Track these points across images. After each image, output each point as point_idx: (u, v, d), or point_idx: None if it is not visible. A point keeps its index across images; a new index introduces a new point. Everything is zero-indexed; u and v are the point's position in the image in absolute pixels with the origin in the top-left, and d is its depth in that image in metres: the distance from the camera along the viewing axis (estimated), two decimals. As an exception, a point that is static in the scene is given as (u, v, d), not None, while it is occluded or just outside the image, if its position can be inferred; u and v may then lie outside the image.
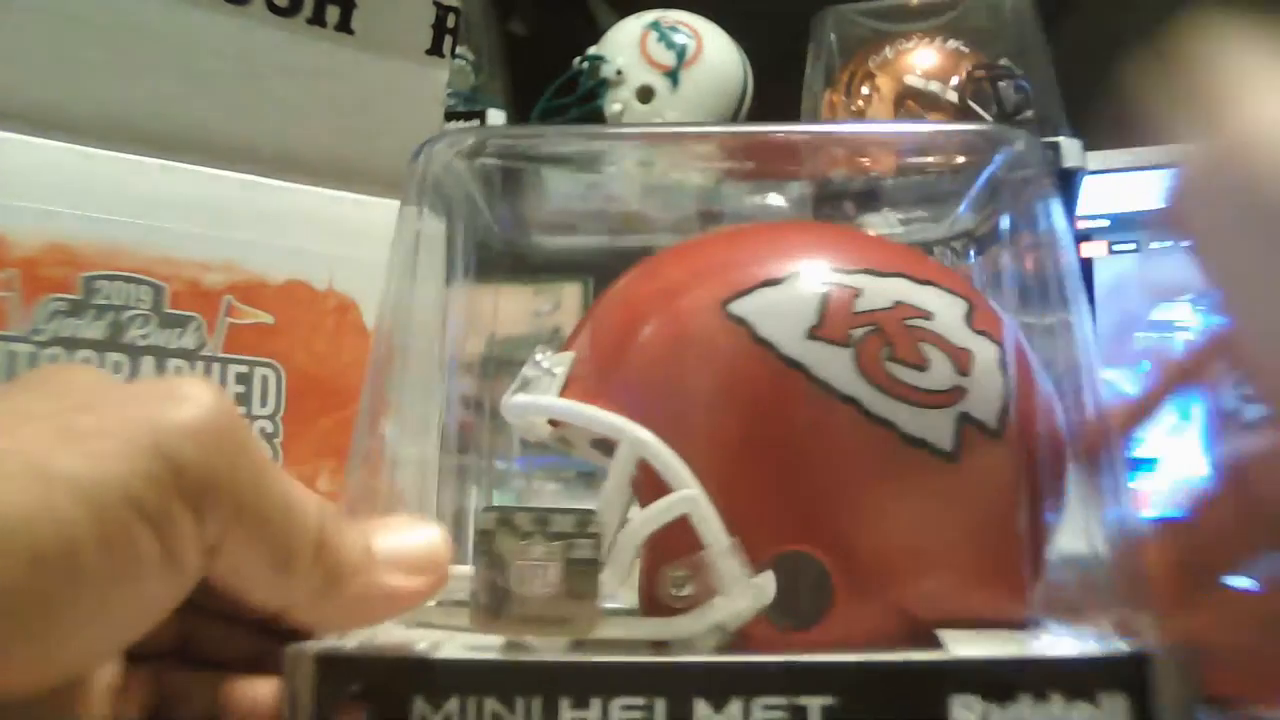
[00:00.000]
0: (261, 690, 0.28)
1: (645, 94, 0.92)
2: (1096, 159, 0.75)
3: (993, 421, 0.30)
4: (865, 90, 0.83)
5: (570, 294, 0.59)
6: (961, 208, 0.39)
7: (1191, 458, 0.32)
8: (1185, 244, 0.26)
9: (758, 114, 0.95)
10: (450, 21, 0.53)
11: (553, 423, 0.34)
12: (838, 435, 0.29)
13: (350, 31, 0.51)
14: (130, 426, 0.21)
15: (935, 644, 0.28)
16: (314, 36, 0.50)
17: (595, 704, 0.25)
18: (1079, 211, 0.75)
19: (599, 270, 0.35)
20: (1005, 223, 0.36)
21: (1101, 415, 0.30)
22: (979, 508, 0.30)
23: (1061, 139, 0.71)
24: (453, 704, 0.25)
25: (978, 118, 0.77)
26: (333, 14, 0.50)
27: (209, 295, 0.46)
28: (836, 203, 0.42)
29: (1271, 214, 0.23)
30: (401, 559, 0.26)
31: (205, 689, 0.29)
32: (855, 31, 0.88)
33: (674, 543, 0.29)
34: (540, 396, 0.32)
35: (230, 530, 0.22)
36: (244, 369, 0.46)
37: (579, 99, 0.93)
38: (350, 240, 0.49)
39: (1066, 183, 0.71)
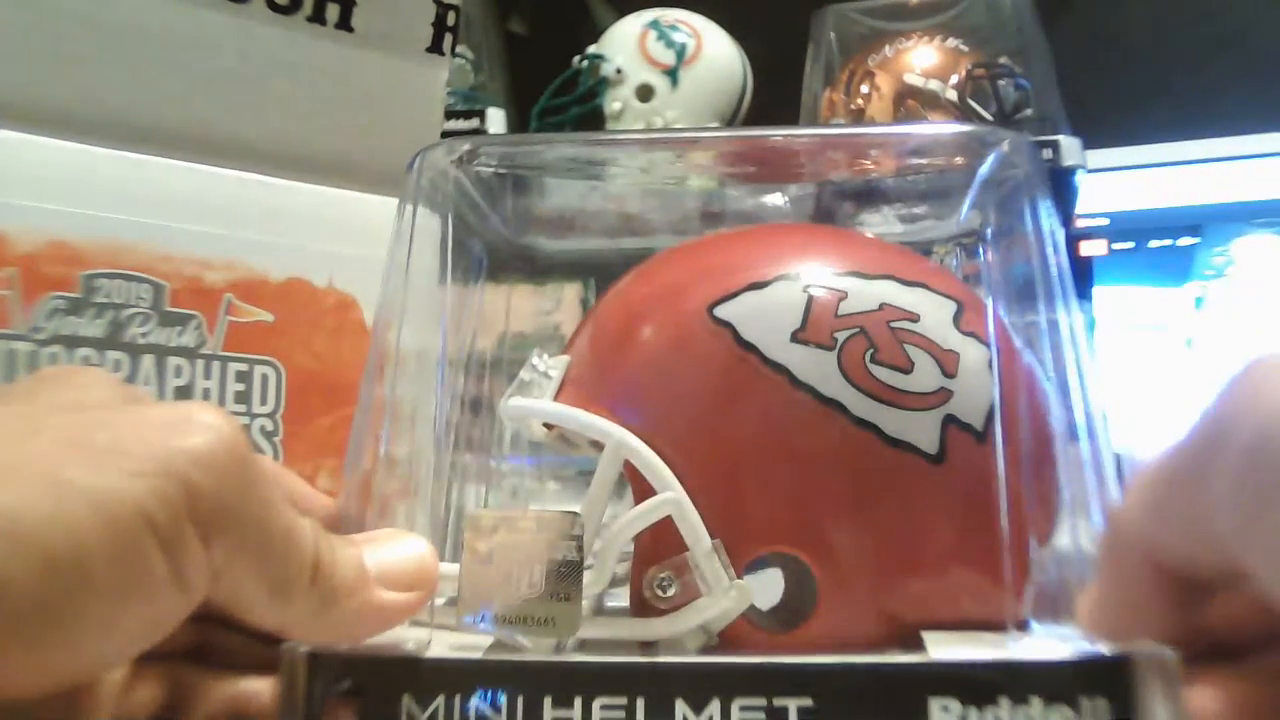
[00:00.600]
0: (272, 689, 0.29)
1: (645, 93, 0.92)
2: (1096, 157, 0.75)
3: (979, 423, 0.30)
4: (865, 89, 0.83)
5: (570, 293, 0.60)
6: (965, 206, 0.39)
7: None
8: None
9: (757, 113, 0.95)
10: (450, 20, 0.53)
11: (548, 425, 0.35)
12: (822, 438, 0.29)
13: (350, 30, 0.51)
14: (146, 448, 0.22)
15: (919, 646, 0.28)
16: (314, 35, 0.50)
17: (577, 703, 0.25)
18: (1078, 210, 0.75)
19: (598, 270, 0.36)
20: (997, 222, 0.36)
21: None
22: (964, 510, 0.30)
23: (1061, 137, 0.71)
24: (440, 701, 0.25)
25: (977, 116, 0.77)
26: (333, 12, 0.50)
27: (209, 293, 0.46)
28: (836, 203, 0.42)
29: None
30: (392, 575, 0.27)
31: (218, 689, 0.29)
32: (855, 30, 0.88)
33: (662, 544, 0.30)
34: (534, 400, 0.32)
35: (234, 558, 0.23)
36: (244, 367, 0.46)
37: (579, 98, 0.93)
38: (350, 238, 0.49)
39: (1065, 181, 0.71)
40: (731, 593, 0.29)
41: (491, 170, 0.39)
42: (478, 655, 0.27)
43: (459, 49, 0.92)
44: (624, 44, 0.95)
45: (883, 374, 0.30)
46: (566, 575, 0.28)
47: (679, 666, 0.26)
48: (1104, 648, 0.25)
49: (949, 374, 0.30)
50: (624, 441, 0.30)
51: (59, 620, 0.20)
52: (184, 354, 0.45)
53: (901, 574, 0.30)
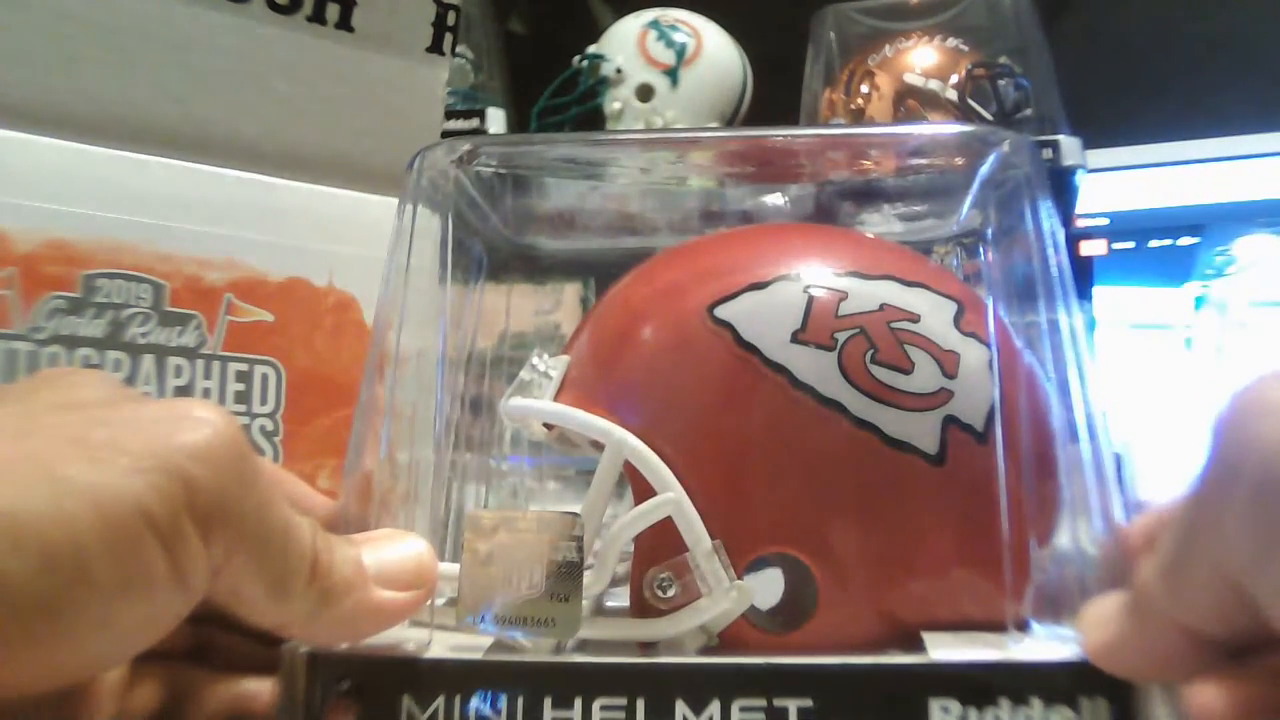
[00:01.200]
0: (272, 690, 0.29)
1: (645, 92, 0.92)
2: (1096, 157, 0.75)
3: (979, 424, 0.30)
4: (865, 89, 0.83)
5: (570, 293, 0.60)
6: (965, 206, 0.39)
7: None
8: None
9: (757, 112, 0.95)
10: (450, 20, 0.53)
11: (548, 425, 0.34)
12: (822, 439, 0.29)
13: (350, 29, 0.51)
14: (144, 444, 0.22)
15: (920, 646, 0.28)
16: (314, 34, 0.50)
17: (577, 703, 0.25)
18: (1078, 210, 0.75)
19: (598, 270, 0.36)
20: (998, 222, 0.36)
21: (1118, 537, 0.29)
22: (964, 511, 0.30)
23: (1061, 137, 0.71)
24: (440, 702, 0.25)
25: (977, 116, 0.77)
26: (333, 12, 0.50)
27: (209, 293, 0.46)
28: (836, 203, 0.42)
29: None
30: (391, 574, 0.27)
31: (218, 690, 0.29)
32: (855, 30, 0.88)
33: (662, 545, 0.29)
34: (534, 401, 0.32)
35: (233, 554, 0.23)
36: (244, 367, 0.46)
37: (578, 98, 0.93)
38: (350, 238, 0.49)
39: (1065, 181, 0.71)
40: (732, 593, 0.29)
41: (492, 170, 0.39)
42: (478, 656, 0.27)
43: (459, 49, 0.92)
44: (624, 44, 0.95)
45: (883, 374, 0.30)
46: (566, 576, 0.28)
47: (679, 667, 0.26)
48: None
49: (949, 374, 0.30)
50: (624, 441, 0.30)
51: (59, 617, 0.20)
52: (184, 354, 0.45)
53: (901, 574, 0.29)
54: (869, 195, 0.42)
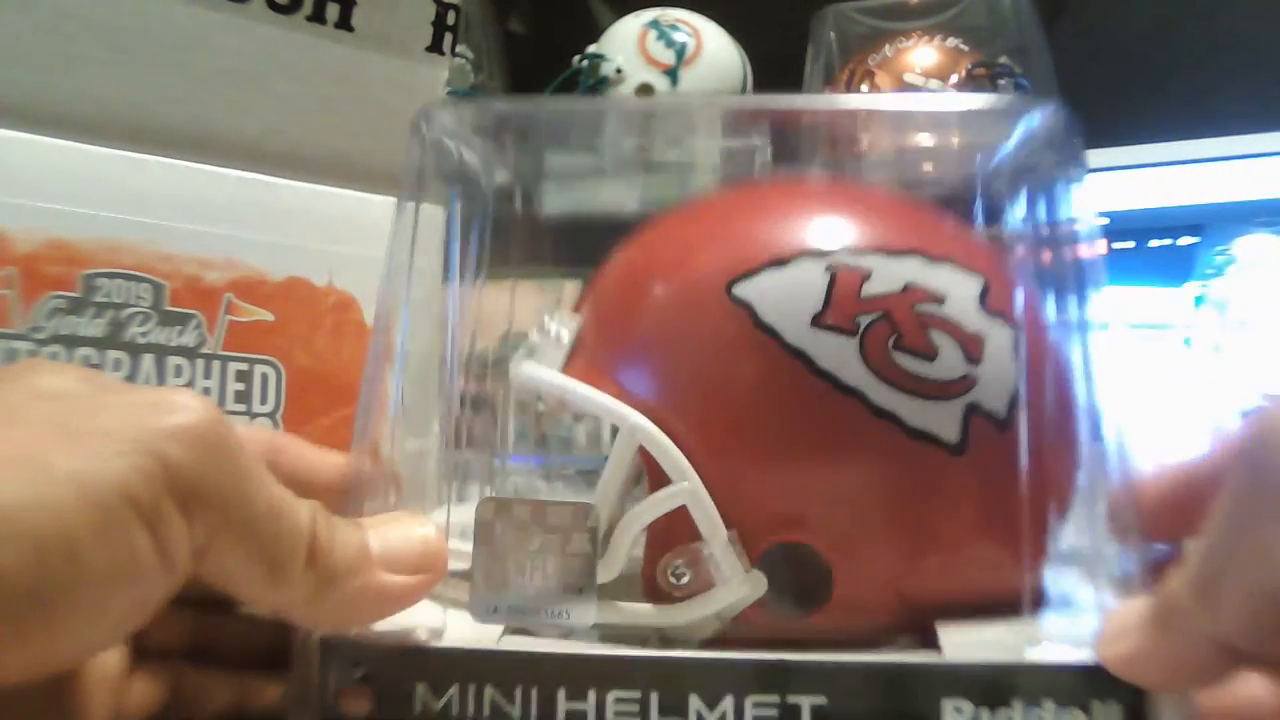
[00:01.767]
0: (278, 686, 0.29)
1: (645, 92, 0.92)
2: (1096, 157, 0.75)
3: (1002, 411, 0.29)
4: (865, 88, 0.83)
5: (571, 291, 0.59)
6: (988, 178, 0.37)
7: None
8: None
9: (757, 112, 0.95)
10: (450, 19, 0.53)
11: None
12: (840, 428, 0.29)
13: (350, 29, 0.51)
14: (124, 428, 0.22)
15: (934, 634, 0.28)
16: (313, 34, 0.50)
17: (591, 695, 0.25)
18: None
19: (601, 262, 0.35)
20: (1024, 201, 0.34)
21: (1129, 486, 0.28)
22: (984, 500, 0.29)
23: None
24: (453, 692, 0.25)
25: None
26: (332, 11, 0.50)
27: (209, 293, 0.46)
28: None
29: None
30: (397, 558, 0.26)
31: (219, 686, 0.29)
32: (855, 29, 0.88)
33: (675, 531, 0.29)
34: (547, 372, 0.32)
35: (218, 533, 0.23)
36: (244, 367, 0.46)
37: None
38: (350, 237, 0.49)
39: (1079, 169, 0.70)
40: (746, 580, 0.29)
41: (497, 131, 0.38)
42: (492, 645, 0.27)
43: (459, 49, 0.91)
44: (624, 43, 0.95)
45: (905, 361, 0.29)
46: (580, 566, 0.28)
47: (693, 662, 0.26)
48: None
49: (973, 360, 0.29)
50: (639, 427, 0.29)
51: (51, 606, 0.20)
52: (184, 353, 0.45)
53: (916, 563, 0.29)
54: (886, 170, 0.40)
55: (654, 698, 0.25)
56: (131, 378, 0.44)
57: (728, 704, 0.25)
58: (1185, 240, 0.87)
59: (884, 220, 0.32)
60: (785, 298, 0.29)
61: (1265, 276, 0.84)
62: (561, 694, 0.25)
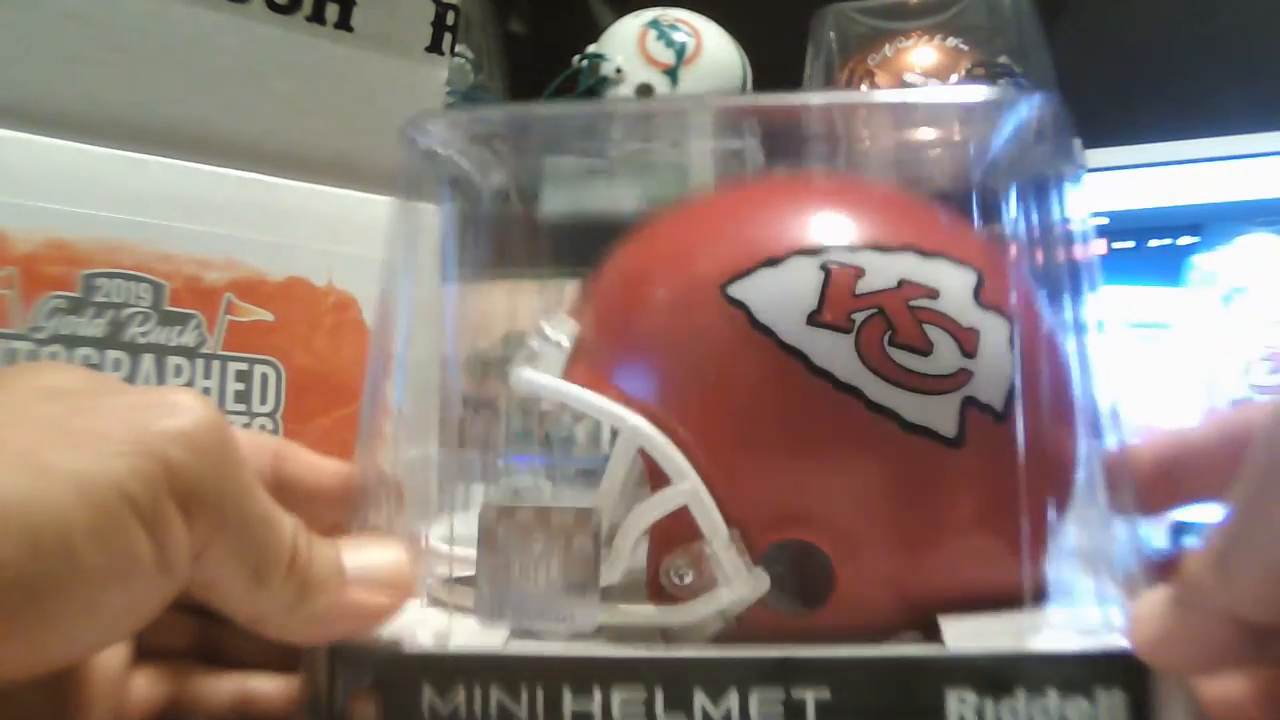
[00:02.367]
0: (280, 688, 0.29)
1: (644, 92, 0.92)
2: (1096, 157, 0.75)
3: (999, 404, 0.29)
4: (865, 88, 0.83)
5: (571, 292, 0.59)
6: (984, 171, 0.38)
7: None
8: None
9: (757, 112, 0.95)
10: (450, 19, 0.53)
11: None
12: (838, 424, 0.29)
13: (350, 29, 0.51)
14: (125, 429, 0.22)
15: (936, 629, 0.28)
16: (313, 34, 0.50)
17: (596, 694, 0.25)
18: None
19: (599, 264, 0.35)
20: (1015, 196, 0.34)
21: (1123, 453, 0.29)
22: (983, 492, 0.29)
23: (1060, 137, 0.71)
24: (460, 694, 0.26)
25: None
26: (332, 11, 0.50)
27: (209, 293, 0.46)
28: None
29: None
30: (369, 577, 0.27)
31: (221, 688, 0.29)
32: (854, 29, 0.88)
33: (677, 531, 0.29)
34: (547, 378, 0.32)
35: (213, 538, 0.23)
36: (244, 366, 0.46)
37: (578, 97, 0.93)
38: (349, 237, 0.49)
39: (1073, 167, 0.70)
40: (748, 579, 0.29)
41: (494, 139, 0.38)
42: (498, 647, 0.27)
43: (459, 49, 0.91)
44: (624, 43, 0.95)
45: (901, 357, 0.29)
46: (583, 567, 0.28)
47: (697, 658, 0.26)
48: (1122, 640, 0.25)
49: (969, 354, 0.29)
50: (639, 430, 0.29)
51: (46, 601, 0.20)
52: (184, 353, 0.45)
53: (918, 557, 0.29)
54: (883, 170, 0.40)
55: (659, 694, 0.25)
56: (131, 378, 0.44)
57: (732, 699, 0.25)
58: (1185, 240, 0.87)
59: (877, 216, 0.32)
60: (780, 297, 0.29)
61: (1264, 275, 0.84)
62: (567, 693, 0.25)
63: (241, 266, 0.47)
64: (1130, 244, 0.89)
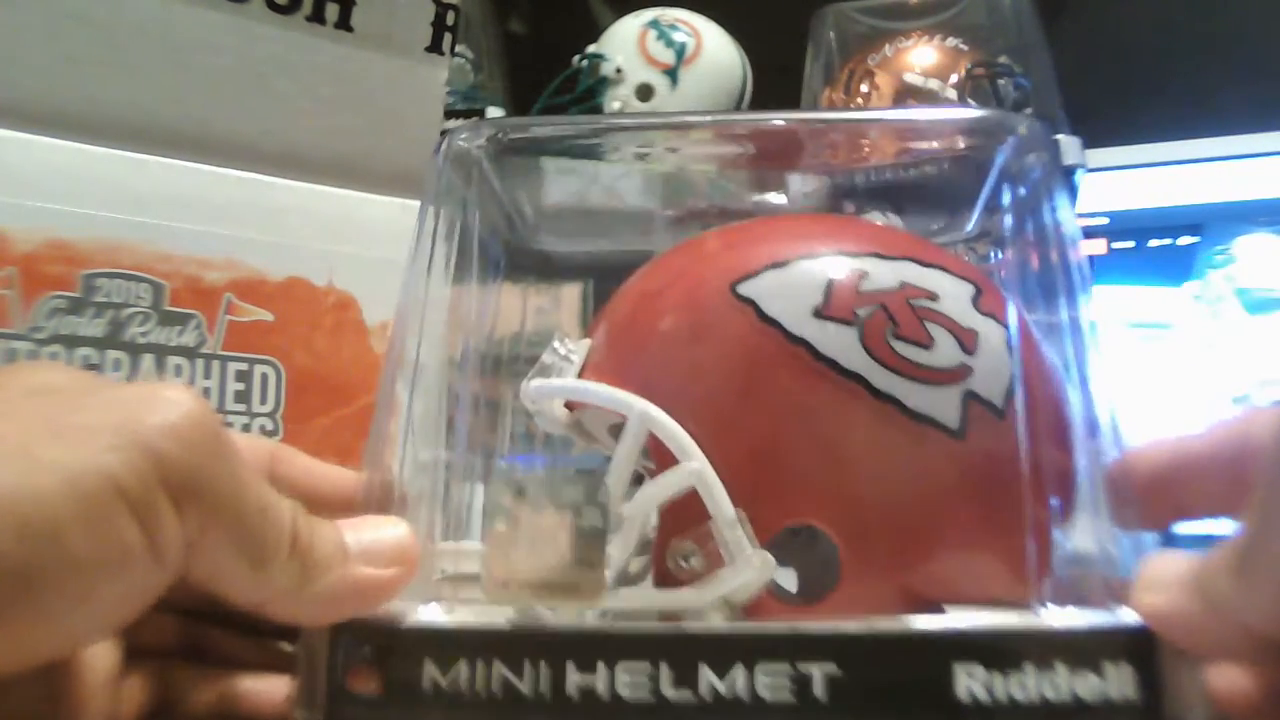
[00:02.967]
0: (268, 687, 0.29)
1: (644, 92, 0.92)
2: (1096, 157, 0.75)
3: (999, 400, 0.30)
4: (864, 88, 0.83)
5: (570, 293, 0.60)
6: (980, 202, 0.39)
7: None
8: None
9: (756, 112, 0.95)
10: (450, 19, 0.53)
11: (569, 407, 0.34)
12: (843, 411, 0.29)
13: (350, 29, 0.51)
14: (116, 424, 0.22)
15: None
16: (313, 34, 0.50)
17: (601, 669, 0.25)
18: (1078, 209, 0.75)
19: (600, 270, 0.36)
20: (1015, 215, 0.35)
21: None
22: (986, 485, 0.30)
23: (1061, 137, 0.71)
24: (462, 668, 0.25)
25: (977, 115, 0.77)
26: (332, 12, 0.50)
27: (209, 293, 0.46)
28: (841, 206, 0.42)
29: None
30: (372, 553, 0.27)
31: (211, 687, 0.29)
32: (854, 29, 0.88)
33: (685, 515, 0.29)
34: (555, 380, 0.33)
35: (209, 527, 0.23)
36: (244, 366, 0.46)
37: (578, 97, 0.93)
38: (349, 237, 0.49)
39: (1065, 180, 0.71)
40: (755, 562, 0.29)
41: (511, 157, 0.39)
42: (501, 621, 0.27)
43: (459, 49, 0.92)
44: (624, 43, 0.95)
45: (904, 349, 0.30)
46: (591, 541, 0.28)
47: (703, 632, 0.26)
48: (1130, 615, 0.25)
49: (969, 350, 0.30)
50: (646, 412, 0.30)
51: (36, 591, 0.20)
52: (184, 353, 0.45)
53: (923, 547, 0.29)
54: (874, 196, 0.41)
55: (664, 669, 0.25)
56: (131, 378, 0.44)
57: (739, 673, 0.25)
58: (1185, 240, 0.87)
59: (876, 233, 0.34)
60: (787, 293, 0.31)
61: (1263, 275, 0.84)
62: (571, 668, 0.25)
63: (241, 266, 0.47)
64: (1130, 244, 0.89)
